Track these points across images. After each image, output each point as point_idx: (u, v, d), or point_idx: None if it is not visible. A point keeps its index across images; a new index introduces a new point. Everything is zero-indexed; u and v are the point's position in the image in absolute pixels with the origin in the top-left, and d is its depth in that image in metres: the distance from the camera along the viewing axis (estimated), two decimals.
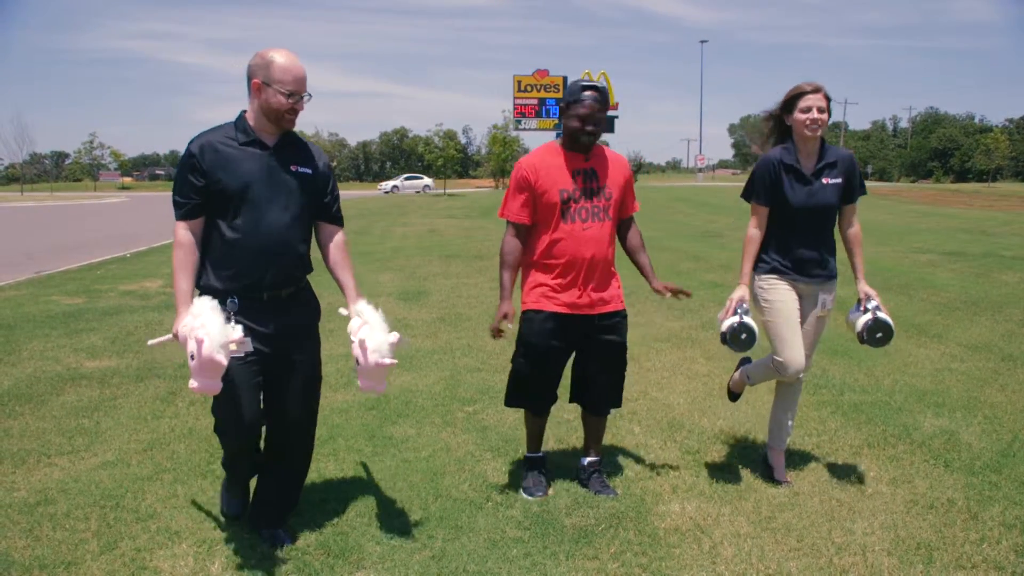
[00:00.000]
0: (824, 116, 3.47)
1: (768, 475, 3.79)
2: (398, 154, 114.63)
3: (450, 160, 47.37)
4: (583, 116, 3.42)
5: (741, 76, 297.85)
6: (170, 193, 3.06)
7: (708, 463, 4.00)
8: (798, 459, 4.03)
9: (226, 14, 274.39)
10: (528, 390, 3.67)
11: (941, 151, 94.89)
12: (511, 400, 3.75)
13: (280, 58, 2.90)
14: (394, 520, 3.38)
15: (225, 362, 2.62)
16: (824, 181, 3.54)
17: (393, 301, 9.19)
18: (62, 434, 4.50)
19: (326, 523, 3.34)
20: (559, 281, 3.50)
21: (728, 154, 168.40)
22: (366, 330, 2.89)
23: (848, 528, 3.26)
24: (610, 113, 37.83)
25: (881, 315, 3.51)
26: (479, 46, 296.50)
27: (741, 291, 3.59)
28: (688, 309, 8.40)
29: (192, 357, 2.61)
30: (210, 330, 2.61)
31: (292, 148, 3.05)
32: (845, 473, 3.83)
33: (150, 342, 3.06)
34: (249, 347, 2.83)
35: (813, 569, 2.96)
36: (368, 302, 3.03)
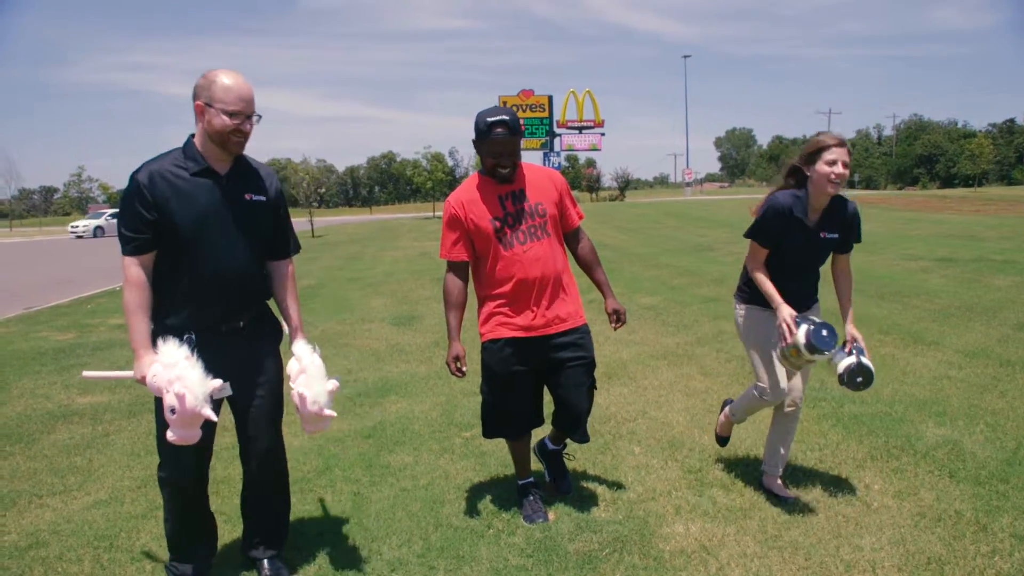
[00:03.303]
0: (847, 172, 3.39)
1: (771, 493, 3.74)
2: (386, 178, 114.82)
3: (438, 182, 47.43)
4: (496, 153, 3.36)
5: (725, 89, 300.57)
6: None
7: (711, 482, 3.95)
8: (801, 475, 3.98)
9: (211, 44, 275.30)
10: (501, 419, 3.62)
11: (926, 157, 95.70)
12: (488, 432, 3.70)
13: (223, 78, 2.75)
14: (394, 551, 3.32)
15: (212, 416, 2.57)
16: (822, 235, 3.51)
17: (386, 326, 9.13)
18: (54, 473, 4.42)
19: (324, 556, 3.28)
20: (511, 307, 3.45)
21: (715, 167, 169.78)
22: (303, 380, 2.85)
23: (856, 544, 3.21)
24: (596, 130, 37.91)
25: (865, 360, 3.44)
26: (463, 68, 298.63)
27: (786, 308, 3.45)
28: (683, 325, 8.37)
29: (172, 411, 2.55)
30: (189, 383, 2.54)
31: (245, 176, 2.94)
32: (849, 487, 3.79)
33: (85, 373, 3.07)
34: (228, 391, 2.78)
35: None
36: (307, 343, 2.98)
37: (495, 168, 3.40)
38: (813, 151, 3.41)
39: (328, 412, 2.84)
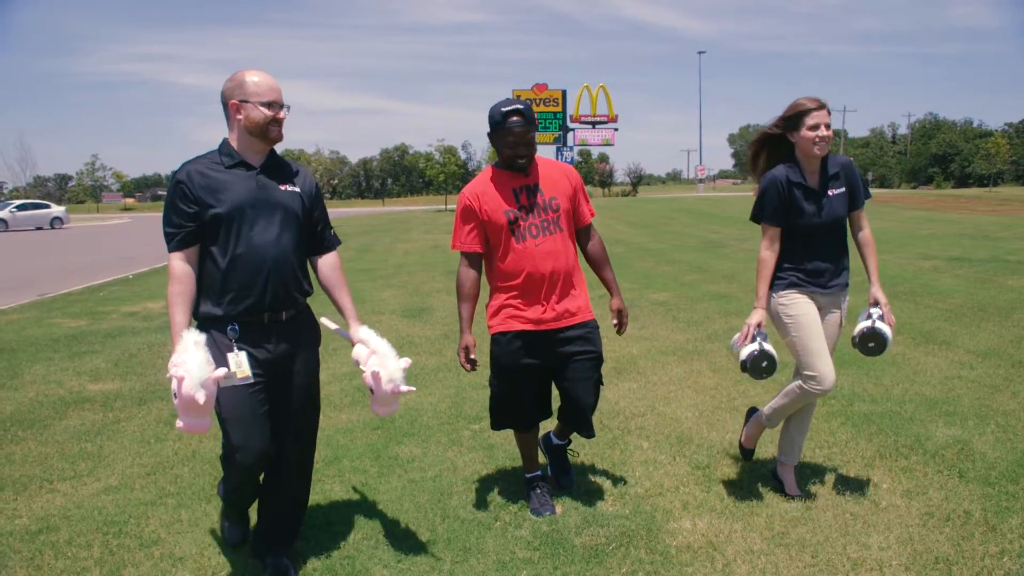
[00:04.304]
0: (831, 133, 3.41)
1: (780, 489, 3.73)
2: (399, 170, 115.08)
3: (451, 175, 47.49)
4: (512, 143, 3.37)
5: (740, 86, 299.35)
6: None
7: (718, 478, 3.94)
8: (810, 472, 3.97)
9: (225, 35, 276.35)
10: (509, 411, 3.63)
11: (941, 156, 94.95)
12: (496, 423, 3.71)
13: (251, 75, 2.90)
14: (401, 542, 3.33)
15: (202, 400, 2.52)
16: (831, 193, 3.50)
17: (396, 318, 9.15)
18: (65, 459, 4.46)
19: (332, 546, 3.29)
20: (522, 300, 3.46)
21: (728, 164, 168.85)
22: (375, 360, 2.89)
23: (863, 543, 3.20)
24: (609, 125, 37.69)
25: (879, 324, 3.47)
26: (478, 61, 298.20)
27: (759, 315, 3.49)
28: (693, 321, 8.36)
29: (175, 396, 2.56)
30: (190, 367, 2.54)
31: (278, 168, 3.04)
32: (858, 486, 3.77)
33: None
34: (235, 380, 2.78)
35: None
36: (370, 328, 3.02)
37: (513, 159, 3.40)
38: (793, 115, 3.42)
39: (404, 388, 2.89)
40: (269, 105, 2.89)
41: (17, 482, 4.11)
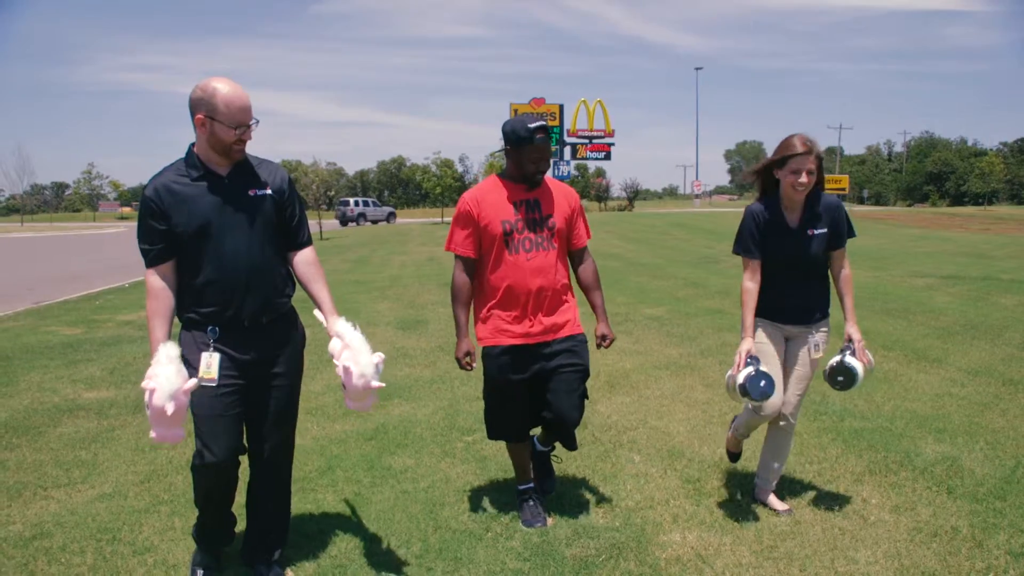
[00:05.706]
0: (812, 179, 3.42)
1: (765, 506, 3.77)
2: (396, 182, 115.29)
3: (447, 188, 47.58)
4: (536, 159, 3.44)
5: (736, 102, 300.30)
6: None
7: (709, 492, 3.97)
8: (799, 487, 4.00)
9: (223, 46, 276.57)
10: (502, 422, 3.67)
11: (936, 175, 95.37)
12: (492, 434, 3.76)
13: (222, 90, 2.81)
14: (393, 552, 3.36)
15: (170, 412, 2.59)
16: (809, 233, 3.53)
17: (392, 330, 9.18)
18: (59, 466, 4.47)
19: (324, 555, 3.31)
20: (509, 313, 3.50)
21: (724, 179, 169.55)
22: (348, 355, 2.86)
23: (851, 557, 3.23)
24: (606, 140, 37.71)
25: (849, 359, 3.52)
26: (476, 75, 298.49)
27: (748, 344, 3.53)
28: (687, 336, 8.39)
29: (147, 407, 2.63)
30: (160, 380, 2.61)
31: (246, 173, 2.99)
32: (847, 501, 3.81)
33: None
34: (210, 380, 2.84)
35: None
36: (347, 320, 2.98)
37: (534, 174, 3.48)
38: (780, 158, 3.46)
39: (376, 384, 2.83)
40: (237, 127, 2.83)
41: (11, 489, 4.13)
